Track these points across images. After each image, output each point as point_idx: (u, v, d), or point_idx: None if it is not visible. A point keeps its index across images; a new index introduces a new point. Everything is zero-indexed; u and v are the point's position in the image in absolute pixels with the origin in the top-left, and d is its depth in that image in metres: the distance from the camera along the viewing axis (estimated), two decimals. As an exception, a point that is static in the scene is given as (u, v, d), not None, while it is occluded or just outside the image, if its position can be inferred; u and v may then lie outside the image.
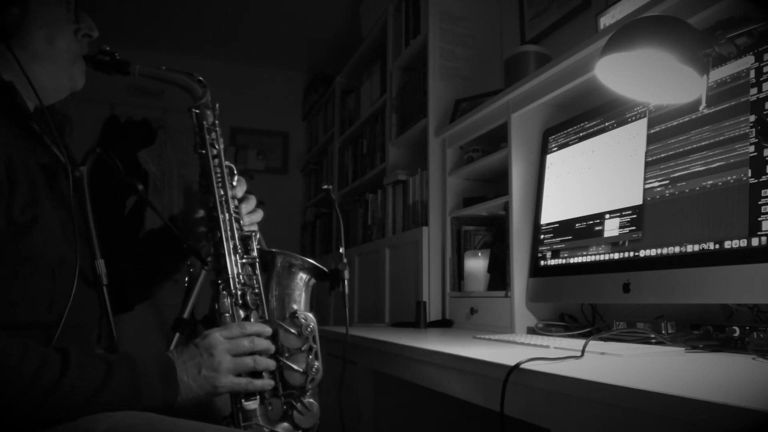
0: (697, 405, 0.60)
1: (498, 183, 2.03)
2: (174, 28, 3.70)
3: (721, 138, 1.14)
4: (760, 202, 1.03)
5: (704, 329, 1.16)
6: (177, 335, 1.98)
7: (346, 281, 1.11)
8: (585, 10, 1.94)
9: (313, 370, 1.00)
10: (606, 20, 1.62)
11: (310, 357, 1.00)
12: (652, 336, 1.18)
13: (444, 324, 2.05)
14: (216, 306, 0.99)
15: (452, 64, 2.32)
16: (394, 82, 2.66)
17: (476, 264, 1.95)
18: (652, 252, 1.26)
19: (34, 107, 0.95)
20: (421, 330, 1.93)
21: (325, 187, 1.42)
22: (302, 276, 1.07)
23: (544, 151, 1.71)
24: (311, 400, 1.00)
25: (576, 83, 1.53)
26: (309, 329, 1.01)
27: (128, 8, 3.38)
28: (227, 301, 0.99)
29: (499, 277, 1.87)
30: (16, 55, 0.88)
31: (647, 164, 1.32)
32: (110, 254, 0.99)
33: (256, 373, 0.94)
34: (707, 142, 1.17)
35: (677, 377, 0.80)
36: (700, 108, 1.17)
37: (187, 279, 1.24)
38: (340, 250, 1.16)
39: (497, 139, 1.91)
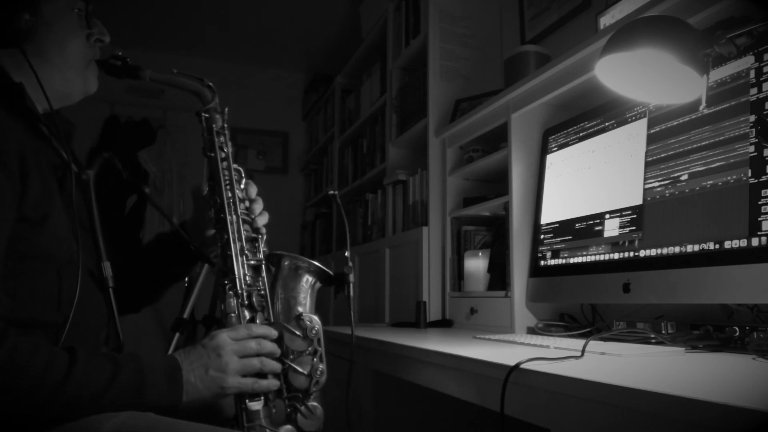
0: (697, 405, 0.60)
1: (498, 183, 2.02)
2: (173, 28, 3.70)
3: (721, 138, 1.14)
4: (760, 202, 1.03)
5: (704, 329, 1.16)
6: (177, 335, 1.98)
7: (351, 285, 1.12)
8: (585, 10, 1.94)
9: (318, 373, 1.00)
10: (606, 20, 1.62)
11: (315, 360, 1.00)
12: (652, 336, 1.18)
13: (444, 324, 2.05)
14: (222, 306, 0.99)
15: (452, 64, 2.31)
16: (394, 82, 2.66)
17: (476, 264, 1.95)
18: (652, 252, 1.26)
19: (43, 110, 0.96)
20: (421, 330, 1.93)
21: (331, 192, 1.42)
22: (308, 279, 1.07)
23: (544, 151, 1.71)
24: (315, 403, 1.00)
25: (576, 83, 1.53)
26: (314, 332, 1.01)
27: (127, 8, 3.38)
28: (233, 301, 0.99)
29: (499, 277, 1.87)
30: (29, 59, 0.90)
31: (647, 164, 1.31)
32: (119, 257, 1.00)
33: (261, 375, 0.95)
34: (707, 142, 1.17)
35: (677, 377, 0.80)
36: (700, 108, 1.17)
37: (186, 279, 1.24)
38: (346, 254, 1.16)
39: (497, 139, 1.91)
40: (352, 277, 1.11)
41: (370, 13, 3.03)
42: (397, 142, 2.61)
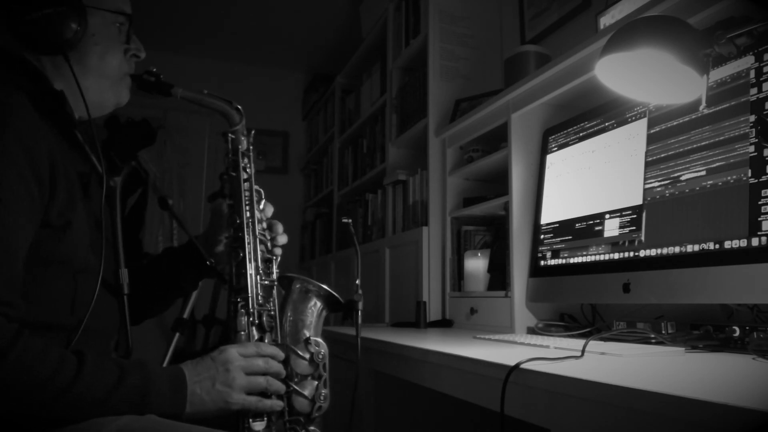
0: (697, 405, 0.60)
1: (498, 183, 2.02)
2: (173, 28, 3.70)
3: (721, 138, 1.14)
4: (760, 202, 1.03)
5: (704, 329, 1.16)
6: (177, 335, 1.98)
7: (360, 312, 1.13)
8: (585, 10, 1.94)
9: (321, 398, 1.01)
10: (606, 20, 1.62)
11: (319, 385, 1.01)
12: (652, 336, 1.18)
13: (444, 324, 2.05)
14: (234, 324, 1.00)
15: (452, 64, 2.31)
16: (394, 82, 2.66)
17: (476, 264, 1.95)
18: (652, 252, 1.26)
19: (78, 117, 0.98)
20: (421, 330, 1.93)
21: (345, 220, 1.43)
22: (317, 303, 1.09)
23: (544, 151, 1.71)
24: (316, 429, 1.00)
25: (576, 83, 1.53)
26: (321, 356, 1.03)
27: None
28: (244, 320, 1.00)
29: (499, 277, 1.87)
30: (72, 67, 0.93)
31: (647, 164, 1.32)
32: (134, 269, 1.01)
33: (264, 394, 0.95)
34: (707, 142, 1.17)
35: (677, 377, 0.80)
36: (700, 108, 1.17)
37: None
38: (357, 282, 1.17)
39: (497, 139, 1.91)
40: (360, 305, 1.13)
41: (370, 13, 3.03)
42: (397, 142, 2.61)
